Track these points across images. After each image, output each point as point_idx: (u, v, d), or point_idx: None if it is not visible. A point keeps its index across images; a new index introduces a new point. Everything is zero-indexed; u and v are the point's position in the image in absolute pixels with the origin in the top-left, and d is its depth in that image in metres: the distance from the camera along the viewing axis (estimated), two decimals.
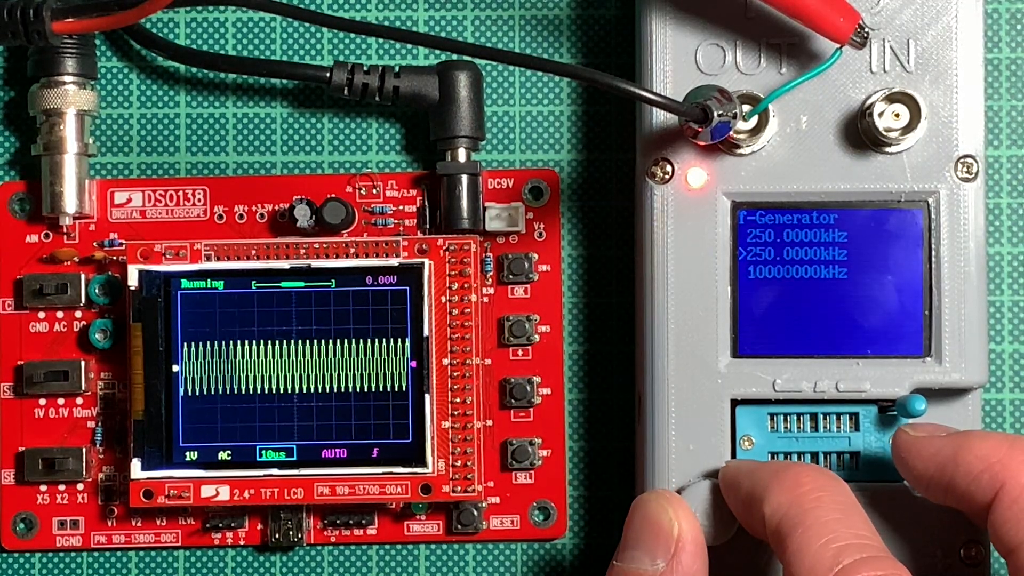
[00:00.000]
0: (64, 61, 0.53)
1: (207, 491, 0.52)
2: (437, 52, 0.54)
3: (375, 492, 0.52)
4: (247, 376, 0.52)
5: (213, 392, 0.52)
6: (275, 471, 0.52)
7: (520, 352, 0.54)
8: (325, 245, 0.53)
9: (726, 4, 0.51)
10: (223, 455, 0.52)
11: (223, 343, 0.52)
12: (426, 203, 0.54)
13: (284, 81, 0.55)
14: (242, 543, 0.54)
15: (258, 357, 0.52)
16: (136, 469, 0.52)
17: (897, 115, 0.50)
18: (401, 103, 0.54)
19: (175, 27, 0.55)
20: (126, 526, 0.54)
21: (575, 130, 0.55)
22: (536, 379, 0.54)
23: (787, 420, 0.51)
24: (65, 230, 0.54)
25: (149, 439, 0.52)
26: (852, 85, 0.51)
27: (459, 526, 0.54)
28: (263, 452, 0.52)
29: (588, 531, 0.54)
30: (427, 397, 0.52)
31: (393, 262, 0.52)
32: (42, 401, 0.54)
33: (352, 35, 0.55)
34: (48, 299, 0.54)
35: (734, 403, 0.51)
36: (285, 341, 0.52)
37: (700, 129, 0.48)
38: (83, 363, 0.54)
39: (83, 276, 0.54)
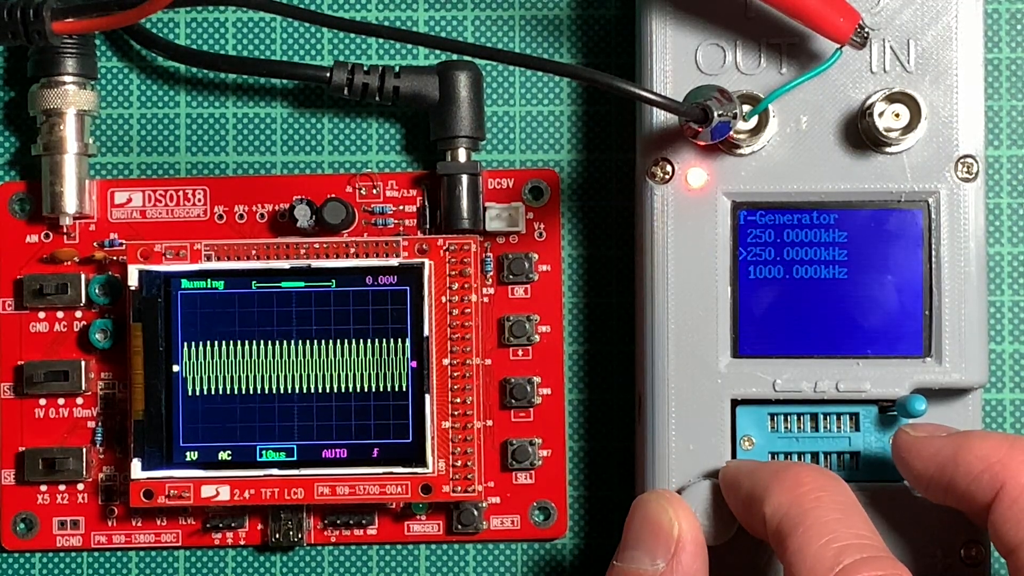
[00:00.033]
0: (64, 61, 0.53)
1: (207, 491, 0.52)
2: (437, 52, 0.54)
3: (375, 492, 0.52)
4: (247, 376, 0.52)
5: (213, 392, 0.52)
6: (275, 471, 0.52)
7: (520, 352, 0.54)
8: (325, 245, 0.53)
9: (726, 4, 0.51)
10: (223, 455, 0.52)
11: (223, 343, 0.52)
12: (426, 203, 0.54)
13: (284, 81, 0.55)
14: (242, 543, 0.54)
15: (258, 357, 0.52)
16: (136, 469, 0.52)
17: (897, 115, 0.50)
18: (401, 103, 0.54)
19: (175, 27, 0.55)
20: (126, 526, 0.54)
21: (575, 130, 0.55)
22: (536, 379, 0.54)
23: (787, 420, 0.51)
24: (65, 230, 0.54)
25: (149, 439, 0.52)
26: (852, 85, 0.51)
27: (459, 526, 0.54)
28: (263, 452, 0.52)
29: (588, 531, 0.54)
30: (427, 397, 0.52)
31: (393, 262, 0.52)
32: (42, 401, 0.54)
33: (352, 35, 0.55)
34: (48, 299, 0.54)
35: (734, 403, 0.51)
36: (285, 341, 0.52)
37: (700, 129, 0.48)
38: (83, 363, 0.54)
39: (83, 276, 0.54)
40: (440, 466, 0.52)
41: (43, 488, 0.54)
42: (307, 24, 0.55)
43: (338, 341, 0.52)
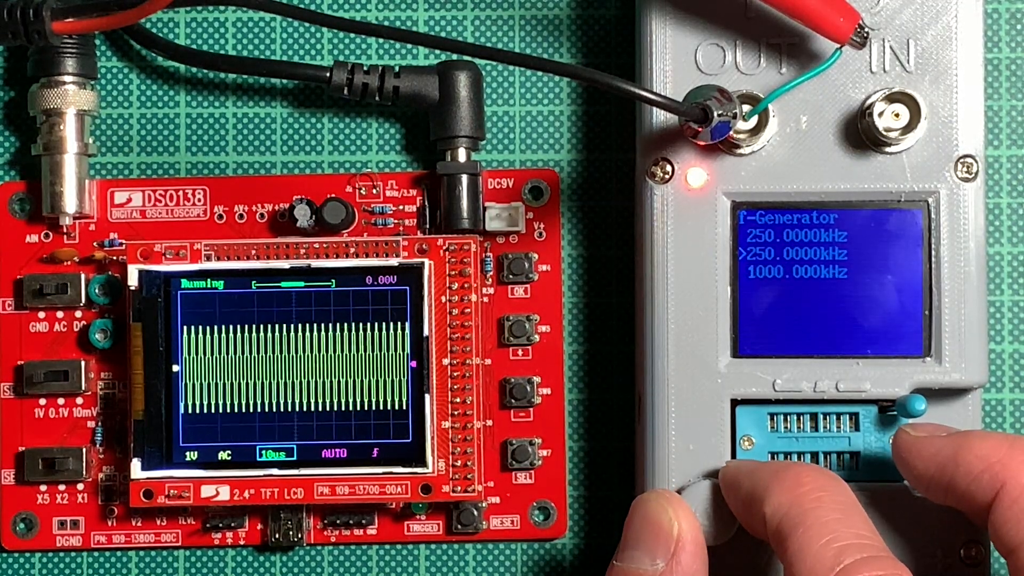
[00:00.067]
0: (64, 61, 0.53)
1: (207, 491, 0.52)
2: (437, 52, 0.54)
3: (375, 492, 0.52)
4: (247, 376, 0.52)
5: (213, 392, 0.52)
6: (275, 471, 0.52)
7: (520, 352, 0.54)
8: (325, 245, 0.53)
9: (726, 4, 0.51)
10: (223, 455, 0.52)
11: (223, 343, 0.52)
12: (426, 203, 0.54)
13: (284, 81, 0.55)
14: (242, 543, 0.54)
15: (258, 357, 0.52)
16: (136, 469, 0.52)
17: (897, 115, 0.50)
18: (401, 103, 0.54)
19: (175, 27, 0.55)
20: (126, 526, 0.54)
21: (575, 130, 0.55)
22: (536, 379, 0.54)
23: (787, 420, 0.51)
24: (65, 230, 0.54)
25: (149, 439, 0.52)
26: (852, 85, 0.51)
27: (459, 526, 0.54)
28: (263, 452, 0.52)
29: (588, 531, 0.54)
30: (427, 397, 0.52)
31: (393, 262, 0.52)
32: (42, 401, 0.54)
33: (352, 35, 0.55)
34: (48, 299, 0.54)
35: (734, 403, 0.51)
36: (285, 341, 0.52)
37: (700, 129, 0.48)
38: (83, 363, 0.54)
39: (83, 276, 0.54)
40: (440, 466, 0.52)
41: (43, 488, 0.54)
42: (307, 24, 0.55)
43: (338, 341, 0.52)
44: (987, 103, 0.54)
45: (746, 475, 0.48)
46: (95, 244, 0.54)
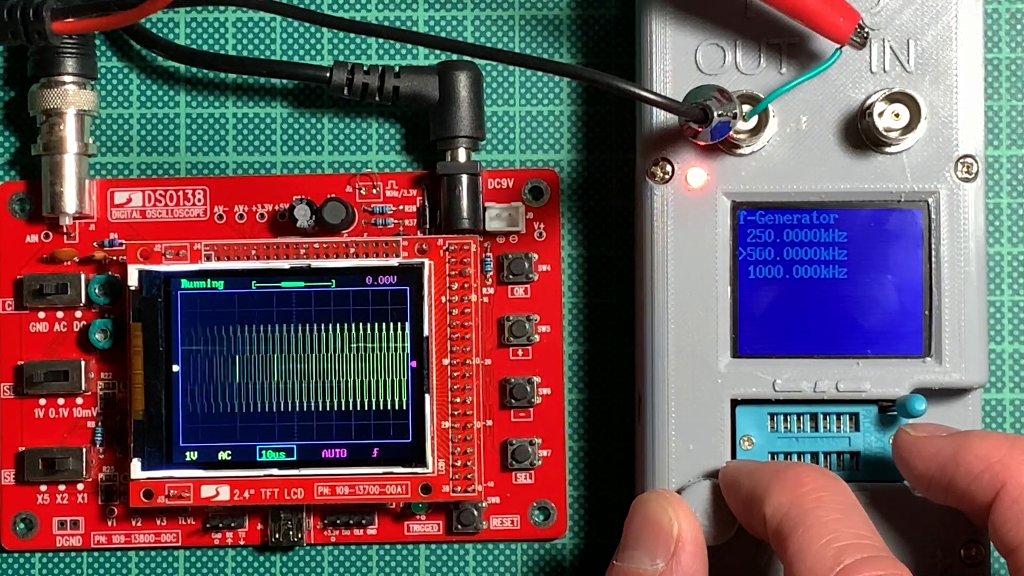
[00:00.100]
0: (64, 61, 0.53)
1: (207, 491, 0.52)
2: (437, 52, 0.54)
3: (375, 492, 0.52)
4: (247, 376, 0.52)
5: (213, 392, 0.52)
6: (275, 471, 0.52)
7: (520, 352, 0.54)
8: (325, 245, 0.53)
9: (726, 4, 0.51)
10: (223, 455, 0.52)
11: (223, 343, 0.52)
12: (426, 203, 0.54)
13: (284, 81, 0.55)
14: (242, 543, 0.54)
15: (258, 357, 0.52)
16: (136, 469, 0.52)
17: (897, 115, 0.50)
18: (401, 103, 0.54)
19: (175, 27, 0.55)
20: (126, 526, 0.54)
21: (575, 130, 0.55)
22: (536, 379, 0.54)
23: (787, 420, 0.51)
24: (65, 230, 0.54)
25: (149, 439, 0.52)
26: (852, 85, 0.51)
27: (459, 526, 0.54)
28: (263, 452, 0.52)
29: (588, 531, 0.54)
30: (427, 397, 0.52)
31: (393, 262, 0.52)
32: (42, 401, 0.54)
33: (352, 35, 0.55)
34: (48, 299, 0.54)
35: (734, 403, 0.51)
36: (285, 341, 0.52)
37: (700, 129, 0.48)
38: (83, 363, 0.54)
39: (83, 276, 0.54)
40: (440, 466, 0.52)
41: (43, 488, 0.54)
42: (307, 24, 0.55)
43: (338, 341, 0.52)
44: (987, 103, 0.54)
45: (746, 475, 0.48)
46: (95, 244, 0.54)
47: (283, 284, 0.53)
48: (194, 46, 0.55)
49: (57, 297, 0.54)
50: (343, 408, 0.52)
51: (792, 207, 0.51)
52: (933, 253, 0.50)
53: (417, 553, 0.54)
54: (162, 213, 0.54)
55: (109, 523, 0.54)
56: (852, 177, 0.50)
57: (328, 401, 0.52)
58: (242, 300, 0.53)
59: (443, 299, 0.52)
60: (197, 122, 0.55)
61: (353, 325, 0.52)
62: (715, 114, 0.47)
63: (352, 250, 0.53)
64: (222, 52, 0.55)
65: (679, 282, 0.50)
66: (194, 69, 0.55)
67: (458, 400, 0.52)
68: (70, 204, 0.53)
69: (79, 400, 0.54)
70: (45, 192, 0.54)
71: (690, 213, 0.51)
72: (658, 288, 0.51)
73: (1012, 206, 0.54)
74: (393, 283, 0.52)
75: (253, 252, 0.53)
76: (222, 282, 0.53)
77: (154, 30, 0.55)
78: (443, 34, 0.55)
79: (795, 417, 0.51)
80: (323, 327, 0.52)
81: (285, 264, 0.53)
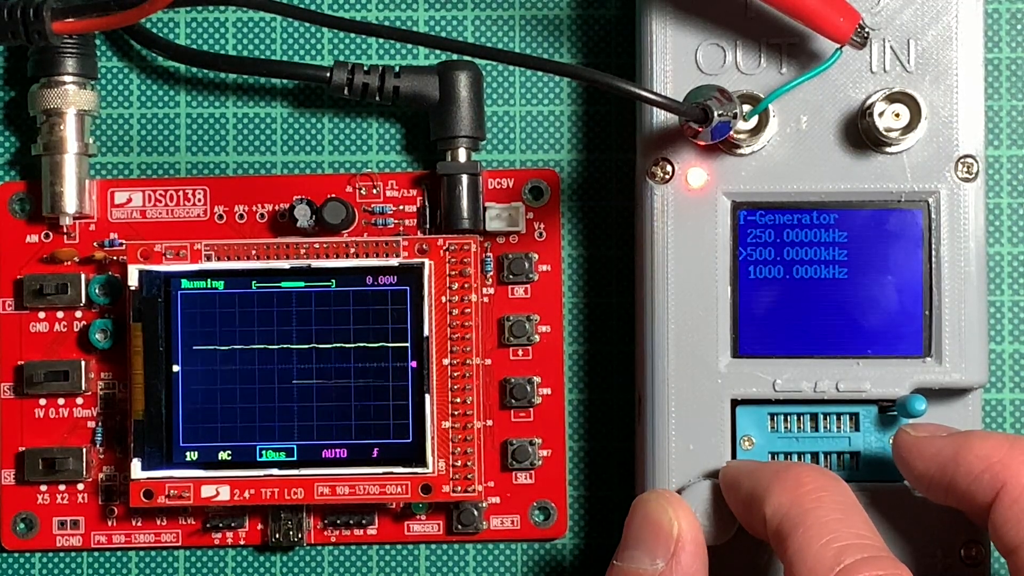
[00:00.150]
0: (64, 61, 0.53)
1: (207, 491, 0.52)
2: (437, 52, 0.54)
3: (375, 492, 0.52)
4: (247, 376, 0.52)
5: (213, 392, 0.52)
6: (275, 471, 0.52)
7: (520, 352, 0.54)
8: (325, 245, 0.53)
9: (726, 4, 0.51)
10: (223, 455, 0.52)
11: (223, 343, 0.52)
12: (426, 203, 0.54)
13: (284, 81, 0.55)
14: (242, 543, 0.54)
15: (258, 357, 0.52)
16: (136, 469, 0.52)
17: (897, 115, 0.50)
18: (401, 103, 0.54)
19: (175, 27, 0.55)
20: (126, 526, 0.54)
21: (575, 130, 0.55)
22: (536, 379, 0.54)
23: (787, 420, 0.51)
24: (65, 230, 0.54)
25: (149, 439, 0.52)
26: (852, 85, 0.51)
27: (459, 526, 0.54)
28: (263, 452, 0.52)
29: (588, 531, 0.54)
30: (427, 397, 0.52)
31: (393, 262, 0.52)
32: (42, 401, 0.54)
33: (352, 35, 0.55)
34: (48, 299, 0.54)
35: (734, 403, 0.51)
36: (285, 341, 0.52)
37: (700, 129, 0.48)
38: (83, 363, 0.54)
39: (83, 276, 0.54)
40: (440, 466, 0.52)
41: (43, 488, 0.54)
42: (307, 24, 0.55)
43: (338, 341, 0.52)
44: (987, 103, 0.54)
45: (746, 475, 0.48)
46: (95, 244, 0.54)
47: (283, 284, 0.53)
48: (194, 46, 0.55)
49: (57, 297, 0.54)
50: (343, 408, 0.52)
51: (792, 207, 0.51)
52: (933, 253, 0.50)
53: (417, 553, 0.54)
54: (162, 213, 0.54)
55: (109, 523, 0.54)
56: (852, 177, 0.50)
57: (328, 401, 0.52)
58: (242, 300, 0.53)
59: (443, 299, 0.52)
60: (197, 122, 0.55)
61: (353, 325, 0.52)
62: (715, 114, 0.47)
63: (352, 250, 0.53)
64: (222, 52, 0.55)
65: (679, 282, 0.50)
66: (194, 69, 0.55)
67: (458, 400, 0.52)
68: (70, 204, 0.53)
69: (79, 400, 0.54)
70: (45, 192, 0.54)
71: (690, 213, 0.51)
72: (658, 288, 0.51)
73: (1012, 206, 0.54)
74: (393, 283, 0.52)
75: (253, 252, 0.53)
76: (222, 282, 0.53)
77: (154, 30, 0.55)
78: (443, 34, 0.55)
79: (795, 417, 0.51)
80: (323, 327, 0.52)
81: (285, 264, 0.53)
